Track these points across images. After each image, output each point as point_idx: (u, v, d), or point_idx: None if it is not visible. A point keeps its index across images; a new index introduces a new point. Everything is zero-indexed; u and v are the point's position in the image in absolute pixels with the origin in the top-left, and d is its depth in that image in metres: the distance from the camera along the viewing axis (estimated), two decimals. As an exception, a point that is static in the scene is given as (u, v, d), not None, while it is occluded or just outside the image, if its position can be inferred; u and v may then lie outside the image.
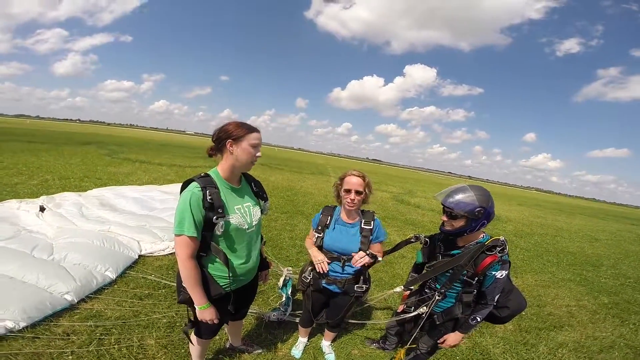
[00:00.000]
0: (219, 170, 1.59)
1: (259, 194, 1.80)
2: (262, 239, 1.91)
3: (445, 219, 1.78)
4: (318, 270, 2.01)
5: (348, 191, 1.97)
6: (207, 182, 1.49)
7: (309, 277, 2.16)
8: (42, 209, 4.38)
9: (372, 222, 2.06)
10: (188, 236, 1.43)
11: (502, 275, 1.72)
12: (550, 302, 4.16)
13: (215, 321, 1.61)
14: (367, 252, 1.98)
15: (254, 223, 1.69)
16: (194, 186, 1.46)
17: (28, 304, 2.32)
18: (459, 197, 1.71)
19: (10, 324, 2.15)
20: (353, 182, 1.97)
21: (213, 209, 1.46)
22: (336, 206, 2.14)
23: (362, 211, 2.11)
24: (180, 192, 1.50)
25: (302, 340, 2.55)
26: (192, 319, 1.71)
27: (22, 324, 2.20)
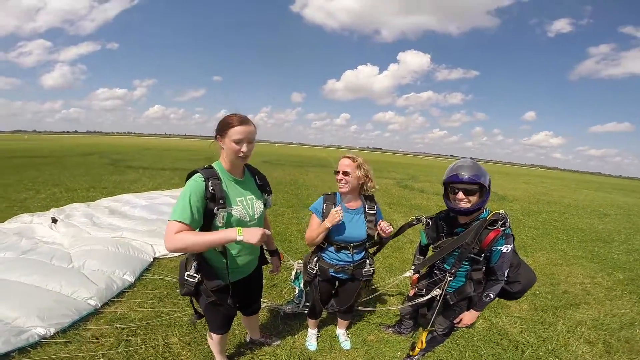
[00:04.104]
0: (222, 162, 1.61)
1: (263, 187, 1.80)
2: None
3: (461, 196, 1.73)
4: (338, 220, 1.90)
5: (337, 172, 1.99)
6: (210, 174, 1.51)
7: (315, 268, 2.14)
8: (54, 221, 4.45)
9: (375, 207, 2.07)
10: (176, 221, 1.41)
11: (507, 250, 1.74)
12: (564, 280, 4.16)
13: (259, 233, 1.47)
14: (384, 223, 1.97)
15: (256, 216, 1.69)
16: (197, 177, 1.49)
17: (55, 311, 2.41)
18: (475, 168, 1.71)
19: (42, 331, 2.23)
20: (341, 163, 2.00)
21: (214, 199, 1.48)
22: (336, 193, 2.12)
23: (364, 196, 2.10)
24: (185, 182, 1.52)
25: (312, 331, 2.55)
26: (197, 310, 1.75)
27: (52, 330, 2.28)
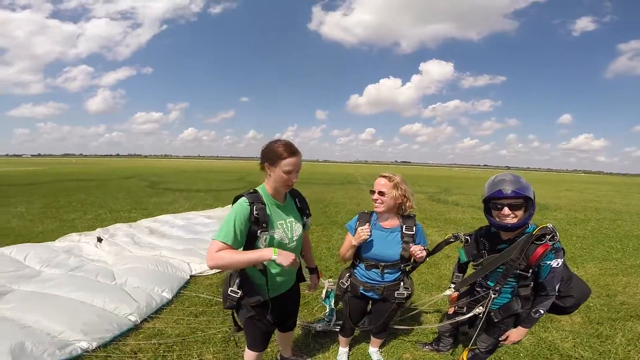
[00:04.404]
0: (266, 186, 1.68)
1: (303, 209, 1.85)
2: (301, 252, 1.96)
3: (507, 212, 1.62)
4: (363, 239, 1.91)
5: (373, 192, 1.96)
6: (254, 198, 1.59)
7: (347, 283, 2.15)
8: (99, 240, 4.75)
9: (413, 227, 1.96)
10: (220, 241, 1.50)
11: (558, 264, 1.63)
12: (621, 291, 3.82)
13: (292, 257, 1.54)
14: (425, 247, 1.94)
15: (295, 238, 1.75)
16: (243, 201, 1.58)
17: (98, 326, 2.52)
18: (519, 181, 1.63)
19: (84, 345, 2.35)
20: (377, 182, 1.96)
21: (258, 223, 1.56)
22: (372, 211, 2.06)
23: (403, 216, 2.00)
24: (232, 205, 1.61)
25: (343, 350, 2.47)
26: (238, 323, 1.80)
27: (94, 344, 2.39)
